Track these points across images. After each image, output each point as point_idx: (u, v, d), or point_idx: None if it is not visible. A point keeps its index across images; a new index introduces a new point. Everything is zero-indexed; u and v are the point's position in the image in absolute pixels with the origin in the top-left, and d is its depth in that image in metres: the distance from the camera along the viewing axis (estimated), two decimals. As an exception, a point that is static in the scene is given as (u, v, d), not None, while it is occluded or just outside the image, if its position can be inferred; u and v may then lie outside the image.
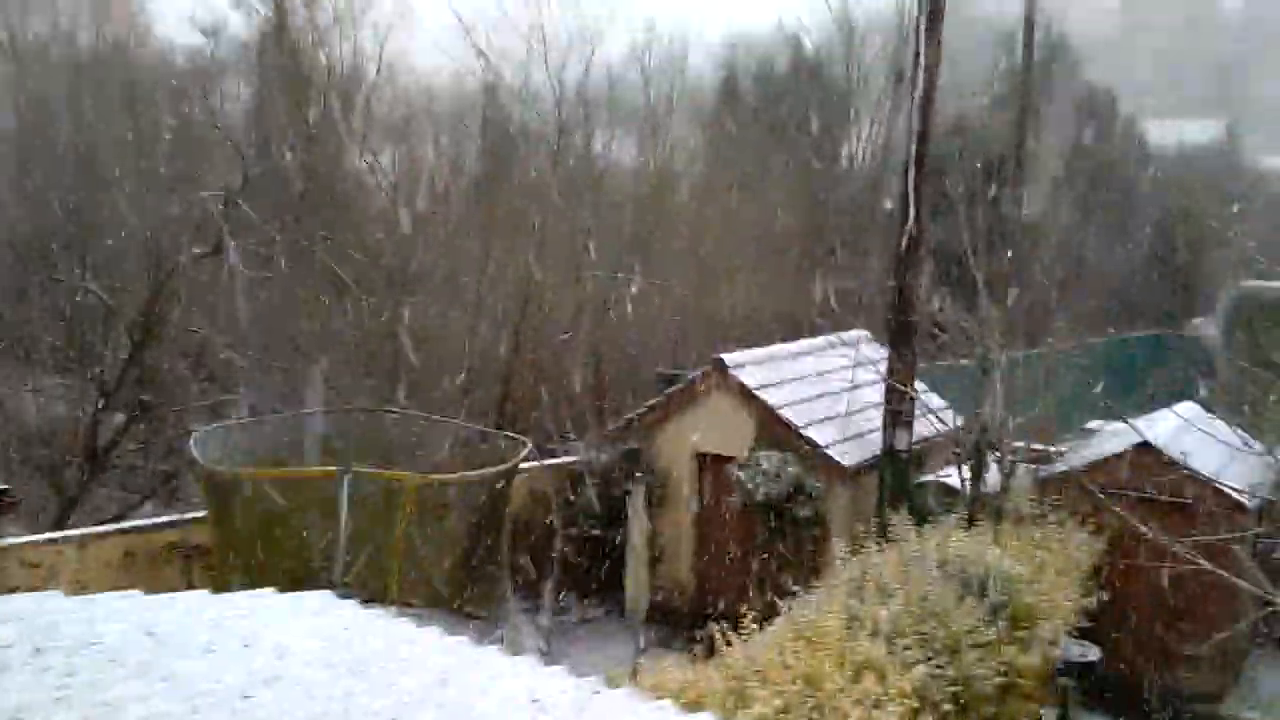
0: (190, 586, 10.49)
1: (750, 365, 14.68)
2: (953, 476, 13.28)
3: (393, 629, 6.26)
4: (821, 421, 14.20)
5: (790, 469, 13.51)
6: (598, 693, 5.49)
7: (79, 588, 7.72)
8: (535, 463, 14.66)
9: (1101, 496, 11.07)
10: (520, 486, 13.83)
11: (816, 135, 31.16)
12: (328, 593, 6.93)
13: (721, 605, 13.38)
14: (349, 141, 22.43)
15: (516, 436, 13.98)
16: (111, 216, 18.41)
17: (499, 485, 12.52)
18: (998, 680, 8.56)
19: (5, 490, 7.70)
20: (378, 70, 22.90)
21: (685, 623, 13.82)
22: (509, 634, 12.03)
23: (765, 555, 13.67)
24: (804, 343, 16.38)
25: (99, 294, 17.40)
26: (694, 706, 6.24)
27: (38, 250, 18.24)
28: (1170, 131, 41.61)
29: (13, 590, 9.27)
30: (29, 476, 16.05)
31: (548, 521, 14.55)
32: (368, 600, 7.27)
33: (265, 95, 22.55)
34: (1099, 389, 12.91)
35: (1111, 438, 13.57)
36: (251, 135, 21.32)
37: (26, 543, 10.60)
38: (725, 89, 35.66)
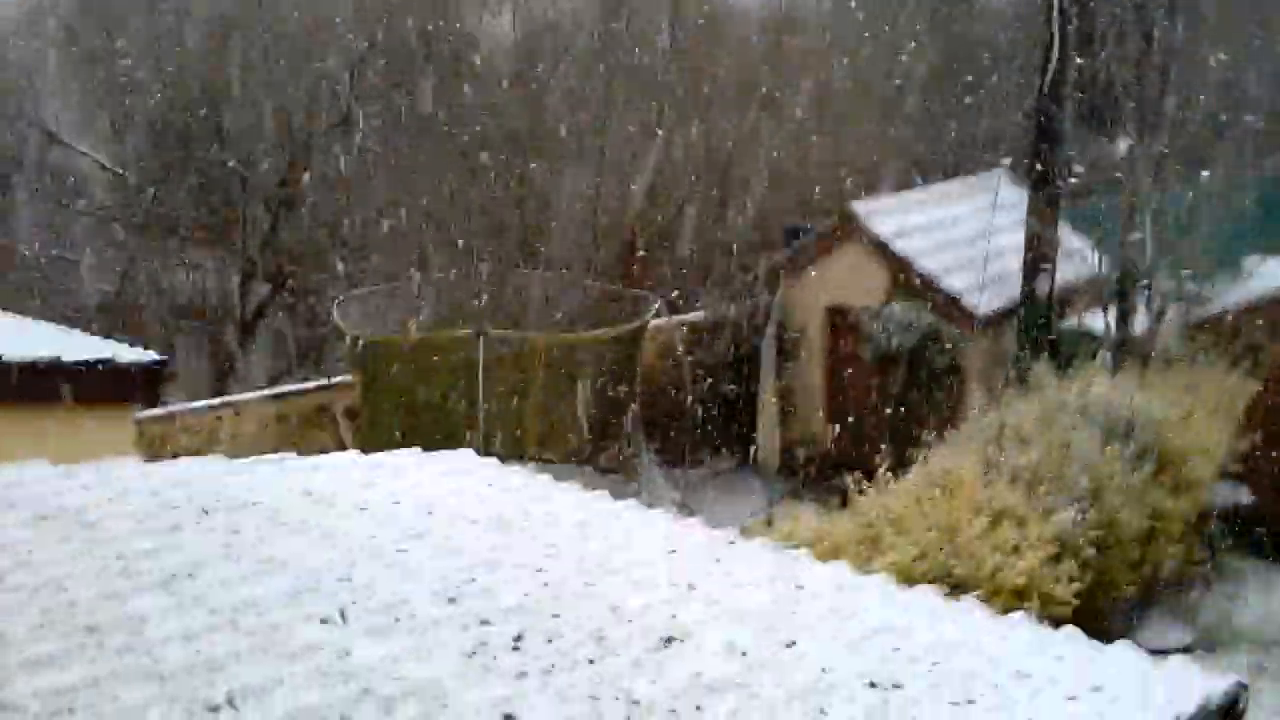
0: (340, 447, 11.00)
1: (882, 213, 14.29)
2: (1098, 320, 12.83)
3: (532, 485, 6.44)
4: (957, 268, 13.81)
5: (924, 318, 13.25)
6: (733, 543, 5.58)
7: (237, 450, 8.16)
8: (665, 319, 14.72)
9: (1258, 337, 10.58)
10: (651, 343, 13.93)
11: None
12: (469, 451, 7.15)
13: (855, 456, 13.39)
14: (468, 3, 22.18)
15: (645, 293, 14.01)
16: (244, 91, 18.76)
17: (630, 342, 12.65)
18: (1142, 525, 8.40)
19: (163, 361, 8.13)
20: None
21: (819, 474, 13.91)
22: (645, 487, 12.30)
23: (900, 406, 13.54)
24: (939, 186, 15.83)
25: (237, 169, 17.89)
26: (828, 555, 6.30)
27: (176, 128, 18.77)
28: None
29: (176, 454, 9.87)
30: (185, 347, 16.90)
31: (679, 377, 14.67)
32: (507, 457, 7.49)
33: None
34: (1258, 224, 12.19)
35: (1270, 276, 12.85)
36: (372, 2, 21.26)
37: (187, 409, 11.25)
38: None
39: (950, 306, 13.28)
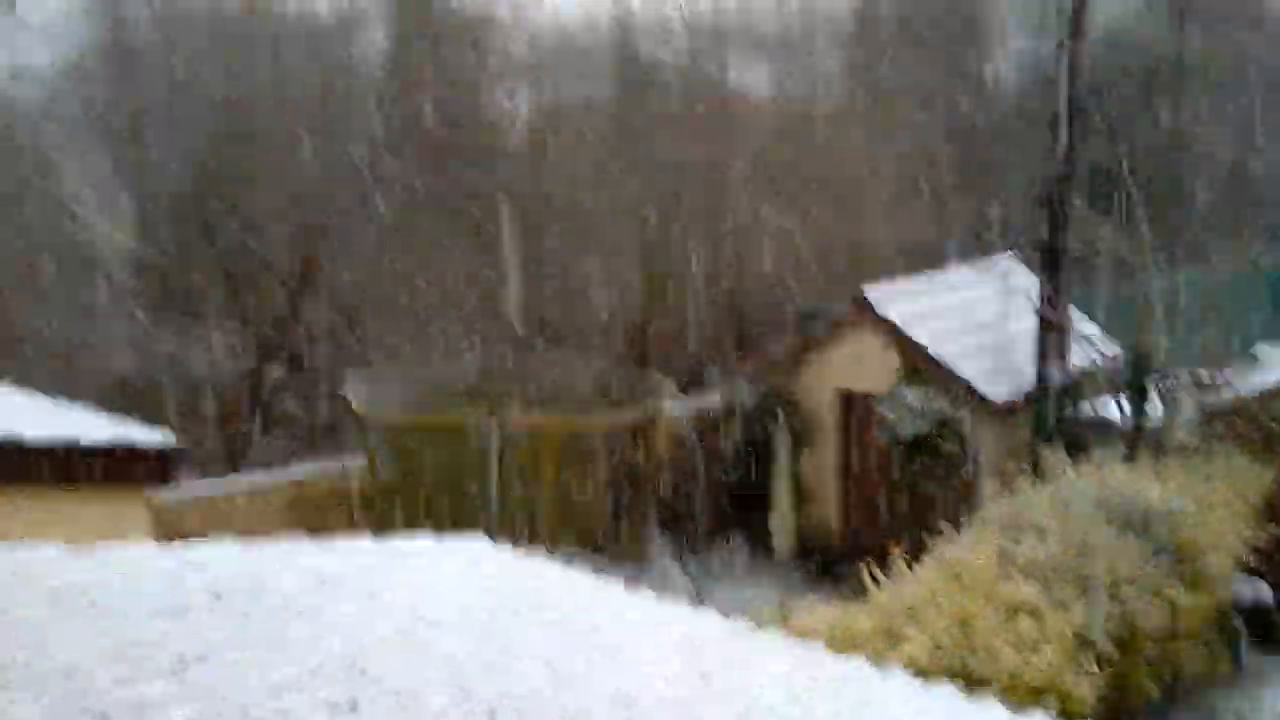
0: (351, 530, 10.97)
1: (893, 298, 14.37)
2: (1111, 408, 12.80)
3: (544, 573, 6.40)
4: (969, 354, 13.83)
5: (936, 405, 13.23)
6: (748, 635, 5.52)
7: (250, 532, 8.15)
8: (677, 402, 14.71)
9: (1273, 426, 10.53)
10: (664, 427, 13.92)
11: (959, 54, 29.91)
12: (481, 536, 7.12)
13: (869, 544, 13.27)
14: (484, 86, 22.64)
15: (658, 376, 14.05)
16: (263, 171, 19.08)
17: (643, 426, 12.65)
18: (1161, 621, 8.27)
19: (179, 442, 8.19)
20: (510, 13, 22.96)
21: (832, 562, 13.79)
22: (658, 576, 12.21)
23: (913, 493, 13.47)
24: (949, 271, 15.93)
25: (256, 249, 18.12)
26: (845, 647, 6.22)
27: (195, 208, 19.06)
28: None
29: (190, 535, 9.84)
30: (200, 426, 16.94)
31: (691, 462, 14.64)
32: (519, 543, 7.45)
33: (402, 44, 22.88)
34: (1269, 311, 12.23)
35: (1283, 364, 12.85)
36: (391, 85, 21.71)
37: (201, 490, 11.26)
38: (861, 10, 34.51)
39: (964, 393, 13.27)
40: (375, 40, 23.76)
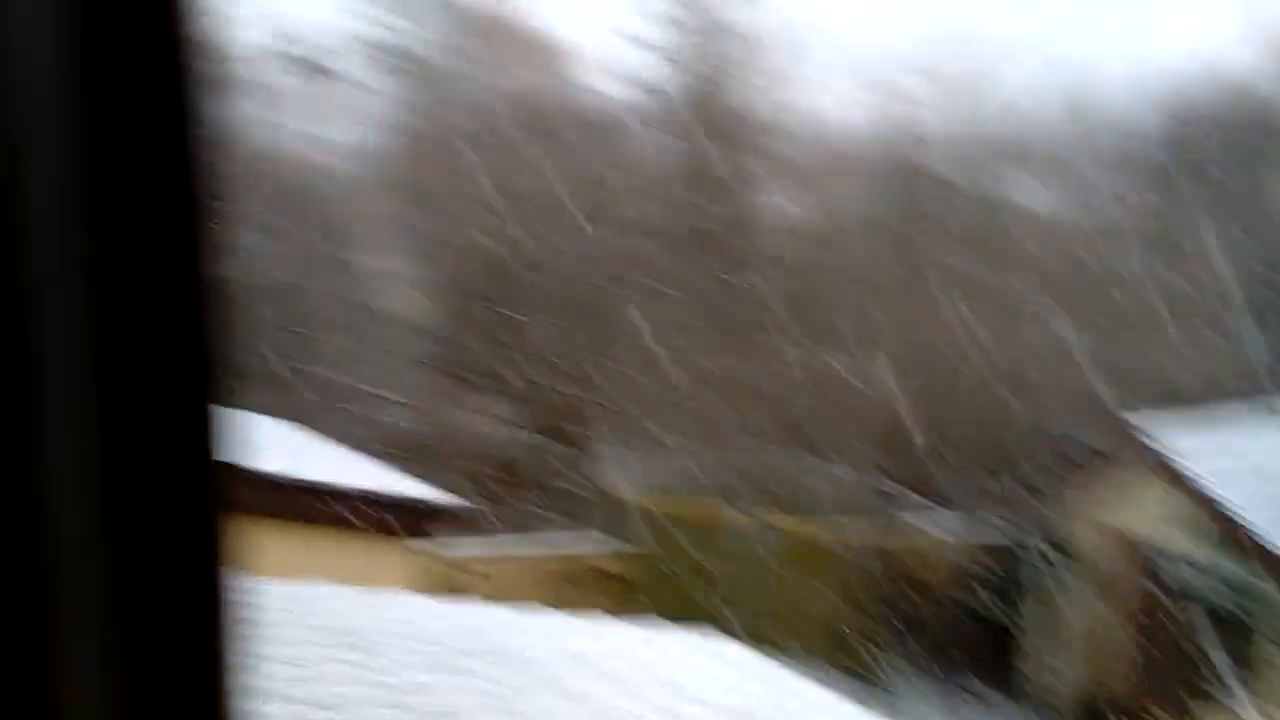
0: (599, 607, 11.16)
1: (1180, 434, 13.27)
2: None
3: (777, 677, 6.26)
4: (1263, 508, 12.55)
5: (1228, 561, 12.04)
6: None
7: (504, 596, 8.44)
8: (933, 522, 14.15)
9: None
10: (916, 549, 13.42)
11: (1250, 177, 27.88)
12: (717, 632, 7.07)
13: (1128, 702, 12.17)
14: (761, 189, 23.06)
15: (914, 494, 13.59)
16: (544, 254, 20.11)
17: (891, 542, 12.25)
18: None
19: (456, 502, 8.59)
20: (791, 119, 23.38)
21: (1088, 715, 12.71)
22: (897, 702, 11.67)
23: (1190, 656, 12.24)
24: (1241, 412, 14.60)
25: (535, 328, 19.09)
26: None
27: (483, 285, 20.30)
28: None
29: (445, 591, 10.27)
30: (468, 487, 17.76)
31: (941, 586, 13.99)
32: (749, 641, 7.35)
33: (676, 141, 23.71)
34: None
35: None
36: (672, 181, 22.46)
37: (458, 549, 11.75)
38: (1145, 129, 32.85)
39: (1256, 553, 12.02)
40: (660, 138, 24.70)
